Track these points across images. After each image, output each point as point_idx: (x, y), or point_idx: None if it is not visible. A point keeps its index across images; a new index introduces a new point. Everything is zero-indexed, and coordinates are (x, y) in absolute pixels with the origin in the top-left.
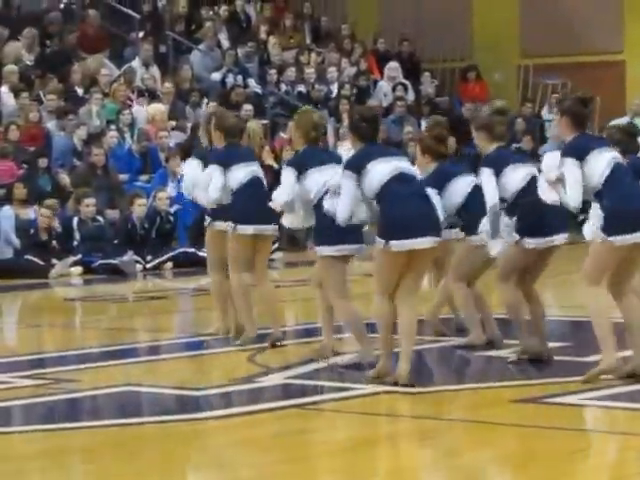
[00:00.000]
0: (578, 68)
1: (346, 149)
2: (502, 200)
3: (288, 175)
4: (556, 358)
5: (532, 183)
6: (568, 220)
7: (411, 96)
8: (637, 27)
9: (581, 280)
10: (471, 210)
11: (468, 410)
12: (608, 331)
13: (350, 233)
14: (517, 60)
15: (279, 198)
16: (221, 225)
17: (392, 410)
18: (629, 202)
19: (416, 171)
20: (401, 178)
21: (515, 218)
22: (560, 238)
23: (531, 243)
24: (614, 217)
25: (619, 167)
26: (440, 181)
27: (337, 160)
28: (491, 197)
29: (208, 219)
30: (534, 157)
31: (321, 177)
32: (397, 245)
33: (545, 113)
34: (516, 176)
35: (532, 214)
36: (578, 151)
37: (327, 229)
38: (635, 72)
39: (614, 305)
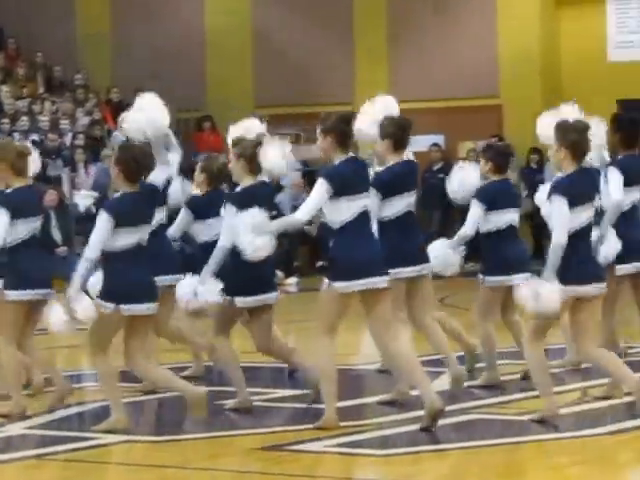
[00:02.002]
0: (310, 118)
1: (82, 196)
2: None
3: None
4: (304, 405)
5: None
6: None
7: None
8: (367, 78)
9: (316, 327)
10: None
11: (211, 458)
12: (332, 386)
13: None
14: (251, 110)
15: None
16: None
17: (134, 459)
18: (356, 250)
19: None
20: None
21: None
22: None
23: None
24: (341, 264)
25: (363, 215)
26: None
27: None
28: None
29: None
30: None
31: None
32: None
33: None
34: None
35: None
36: (336, 181)
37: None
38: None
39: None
